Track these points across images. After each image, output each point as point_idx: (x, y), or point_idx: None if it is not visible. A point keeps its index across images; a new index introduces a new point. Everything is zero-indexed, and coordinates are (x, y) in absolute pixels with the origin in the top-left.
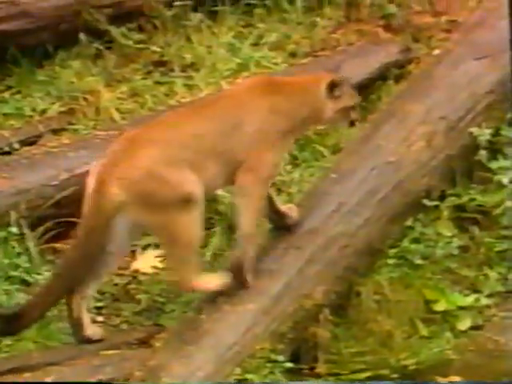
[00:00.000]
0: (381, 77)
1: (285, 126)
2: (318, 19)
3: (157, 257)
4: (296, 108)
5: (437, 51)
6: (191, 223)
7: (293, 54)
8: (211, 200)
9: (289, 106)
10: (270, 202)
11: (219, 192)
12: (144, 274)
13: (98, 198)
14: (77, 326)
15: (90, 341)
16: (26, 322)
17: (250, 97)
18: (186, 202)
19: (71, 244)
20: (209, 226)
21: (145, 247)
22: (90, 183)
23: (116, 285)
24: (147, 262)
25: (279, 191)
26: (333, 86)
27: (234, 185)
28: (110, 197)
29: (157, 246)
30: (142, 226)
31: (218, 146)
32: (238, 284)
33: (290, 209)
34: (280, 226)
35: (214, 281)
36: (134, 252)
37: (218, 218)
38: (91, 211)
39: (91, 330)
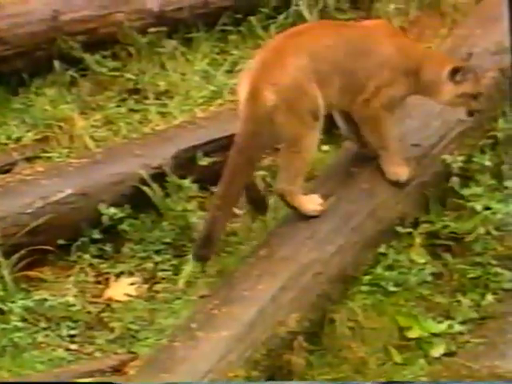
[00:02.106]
0: None
1: (406, 72)
2: None
3: (130, 284)
4: (418, 67)
5: None
6: (313, 140)
7: None
8: (185, 227)
9: (414, 61)
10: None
11: (193, 220)
12: (117, 301)
13: (252, 103)
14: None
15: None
16: (217, 239)
17: (385, 32)
18: (315, 117)
19: (230, 154)
20: (181, 253)
21: (118, 275)
22: (243, 90)
23: (89, 313)
24: (121, 289)
25: (253, 219)
26: (456, 71)
27: (354, 114)
28: (264, 101)
29: (130, 274)
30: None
31: (348, 65)
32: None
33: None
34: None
35: (314, 203)
36: (107, 280)
37: (191, 245)
38: (248, 116)
39: None
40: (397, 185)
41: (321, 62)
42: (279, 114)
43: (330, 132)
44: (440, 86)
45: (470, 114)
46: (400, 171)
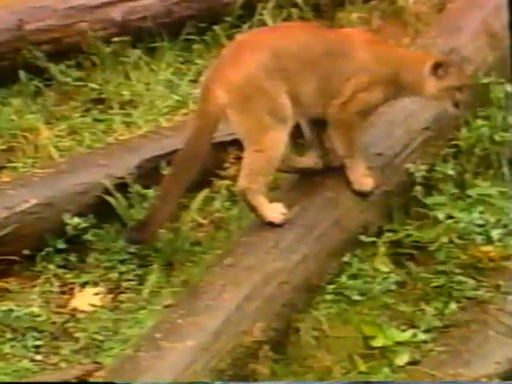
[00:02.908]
0: None
1: (385, 79)
2: None
3: (95, 294)
4: (397, 72)
5: None
6: (277, 140)
7: None
8: None
9: (392, 67)
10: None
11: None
12: (82, 311)
13: (204, 101)
14: None
15: None
16: (155, 226)
17: (363, 37)
18: (276, 116)
19: (181, 148)
20: (146, 263)
21: (83, 285)
22: (200, 88)
23: (54, 323)
24: (85, 299)
25: (217, 228)
26: (437, 66)
27: (329, 118)
28: (215, 99)
29: (95, 284)
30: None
31: (323, 66)
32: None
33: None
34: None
35: (275, 212)
36: (72, 290)
37: (156, 255)
38: (199, 113)
39: None
40: (361, 194)
41: (289, 59)
42: (232, 112)
43: (294, 141)
44: (423, 83)
45: (456, 105)
46: (365, 181)
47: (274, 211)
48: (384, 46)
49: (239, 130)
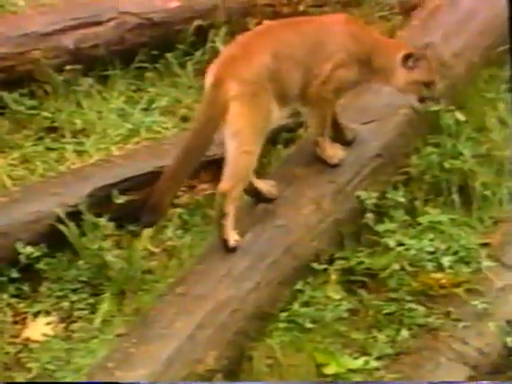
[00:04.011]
0: (270, 141)
1: (358, 58)
2: None
3: (47, 324)
4: (371, 54)
5: None
6: (259, 147)
7: (184, 119)
8: (101, 266)
9: (366, 48)
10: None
11: (109, 258)
12: (35, 341)
13: (215, 91)
14: None
15: None
16: (162, 209)
17: (341, 20)
18: (267, 125)
19: (189, 134)
20: (98, 292)
21: (36, 314)
22: (209, 78)
23: (7, 353)
24: (38, 329)
25: (169, 257)
26: (408, 57)
27: (309, 98)
28: (226, 89)
29: (47, 313)
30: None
31: (304, 61)
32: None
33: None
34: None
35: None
36: (25, 320)
37: (107, 283)
38: (208, 102)
39: None
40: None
41: (282, 61)
42: (237, 105)
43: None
44: (393, 72)
45: (421, 100)
46: (336, 153)
47: (234, 235)
48: (361, 28)
49: (237, 125)
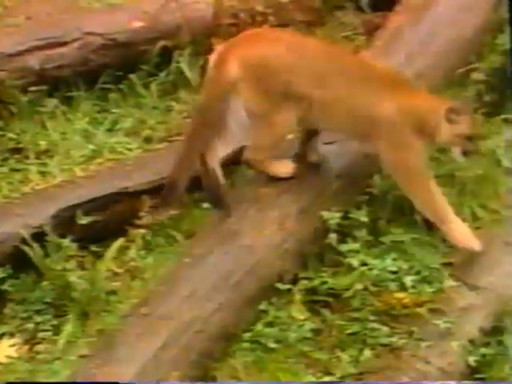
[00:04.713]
0: (234, 161)
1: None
2: (174, 103)
3: (11, 346)
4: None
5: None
6: (284, 119)
7: (148, 140)
8: (65, 286)
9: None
10: None
11: (73, 279)
12: None
13: (218, 71)
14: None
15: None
16: (180, 189)
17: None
18: (287, 99)
19: (194, 112)
20: (62, 313)
21: (0, 336)
22: (212, 59)
23: None
24: (2, 351)
25: (133, 277)
26: (451, 111)
27: None
28: (228, 71)
29: (11, 335)
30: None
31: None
32: None
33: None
34: None
35: (285, 167)
36: None
37: (71, 304)
38: (212, 82)
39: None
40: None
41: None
42: (243, 88)
43: None
44: (437, 127)
45: (465, 153)
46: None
47: (284, 167)
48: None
49: (249, 106)
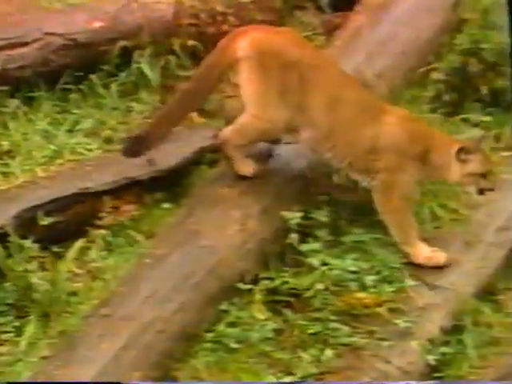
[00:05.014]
0: (194, 161)
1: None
2: (134, 104)
3: None
4: (423, 154)
5: None
6: (278, 118)
7: (108, 140)
8: (26, 288)
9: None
10: None
11: (34, 280)
12: None
13: (227, 44)
14: None
15: None
16: (150, 143)
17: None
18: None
19: (193, 77)
20: (23, 314)
21: None
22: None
23: None
24: None
25: (94, 278)
26: (462, 151)
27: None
28: (236, 47)
29: None
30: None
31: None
32: None
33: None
34: None
35: (248, 166)
36: None
37: (32, 306)
38: (217, 51)
39: None
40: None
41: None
42: (247, 68)
43: (171, 190)
44: (448, 166)
45: (481, 192)
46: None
47: (246, 166)
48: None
49: (246, 90)
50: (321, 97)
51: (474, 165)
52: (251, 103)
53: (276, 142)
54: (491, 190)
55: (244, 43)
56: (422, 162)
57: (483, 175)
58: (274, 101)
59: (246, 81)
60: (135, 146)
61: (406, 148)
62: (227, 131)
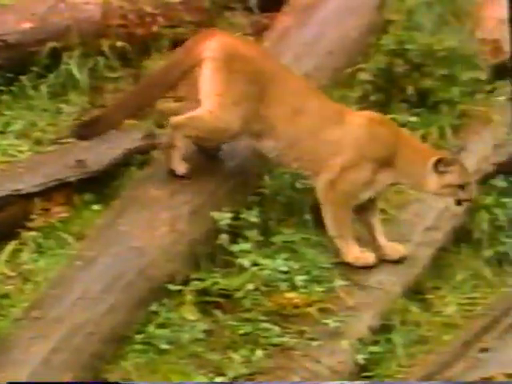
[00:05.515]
0: (124, 163)
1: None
2: (64, 105)
3: None
4: (389, 158)
5: None
6: (232, 121)
7: (38, 142)
8: None
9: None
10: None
11: None
12: None
13: (195, 44)
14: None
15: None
16: (102, 128)
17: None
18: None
19: (155, 71)
20: None
21: None
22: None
23: None
24: None
25: (25, 281)
26: (441, 163)
27: None
28: (203, 48)
29: None
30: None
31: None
32: None
33: None
34: None
35: (181, 166)
36: None
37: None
38: (185, 50)
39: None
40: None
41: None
42: (210, 66)
43: (101, 192)
44: (424, 177)
45: (459, 203)
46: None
47: (181, 164)
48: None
49: (207, 87)
50: (283, 108)
51: (453, 176)
52: (210, 100)
53: (217, 149)
54: (469, 200)
55: (213, 44)
56: (389, 166)
57: (461, 186)
58: (233, 104)
59: (209, 79)
60: (86, 130)
61: (366, 149)
62: (180, 118)
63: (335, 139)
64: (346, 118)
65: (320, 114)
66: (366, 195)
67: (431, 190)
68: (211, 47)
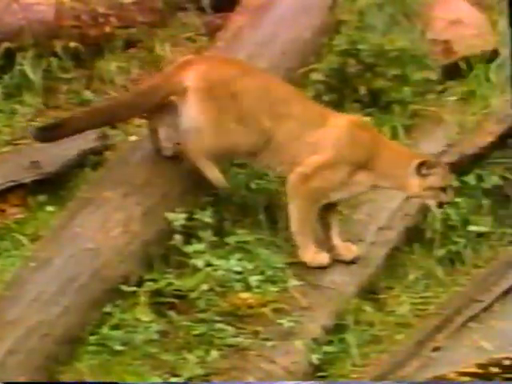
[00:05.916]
0: (78, 164)
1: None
2: (18, 106)
3: None
4: (367, 161)
5: (133, 137)
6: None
7: None
8: None
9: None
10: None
11: None
12: None
13: (172, 73)
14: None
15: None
16: (63, 132)
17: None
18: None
19: (131, 91)
20: None
21: None
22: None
23: None
24: None
25: None
26: (424, 165)
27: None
28: (181, 77)
29: None
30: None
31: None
32: None
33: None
34: None
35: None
36: None
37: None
38: (161, 77)
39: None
40: None
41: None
42: (193, 97)
43: (56, 193)
44: (406, 180)
45: (440, 205)
46: None
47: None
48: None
49: (196, 115)
50: (270, 116)
51: (435, 179)
52: (208, 132)
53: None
54: (450, 203)
55: (192, 74)
56: (368, 169)
57: (443, 189)
58: (232, 126)
59: (196, 111)
60: (48, 133)
61: (345, 151)
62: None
63: (316, 140)
64: (328, 121)
65: (304, 118)
66: (336, 196)
67: (413, 193)
68: (191, 77)
